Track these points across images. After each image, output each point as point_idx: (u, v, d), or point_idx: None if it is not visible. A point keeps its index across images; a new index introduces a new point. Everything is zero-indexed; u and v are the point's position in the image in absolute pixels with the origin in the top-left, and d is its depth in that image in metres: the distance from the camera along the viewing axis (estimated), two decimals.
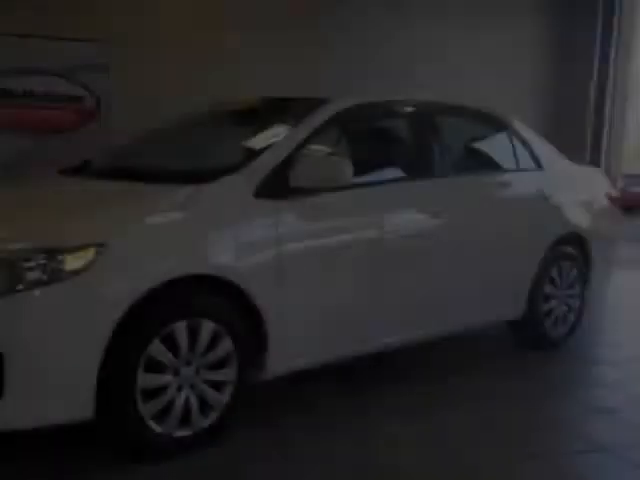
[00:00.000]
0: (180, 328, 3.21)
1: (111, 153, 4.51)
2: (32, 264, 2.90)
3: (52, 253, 2.93)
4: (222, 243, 3.33)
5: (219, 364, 3.36)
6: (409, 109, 4.41)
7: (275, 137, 3.79)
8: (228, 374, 3.39)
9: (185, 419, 3.28)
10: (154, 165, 4.09)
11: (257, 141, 3.91)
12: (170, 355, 3.19)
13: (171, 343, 3.19)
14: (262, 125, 4.11)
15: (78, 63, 6.32)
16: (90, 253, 2.97)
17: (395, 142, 4.39)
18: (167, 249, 3.18)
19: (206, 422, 3.35)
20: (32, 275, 2.90)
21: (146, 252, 3.13)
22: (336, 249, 3.71)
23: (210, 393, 3.34)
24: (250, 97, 4.41)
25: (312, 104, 3.97)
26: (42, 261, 2.91)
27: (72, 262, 2.95)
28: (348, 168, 3.51)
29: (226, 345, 3.35)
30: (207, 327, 3.28)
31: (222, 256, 3.32)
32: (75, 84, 6.31)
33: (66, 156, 6.15)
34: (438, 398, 4.12)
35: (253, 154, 3.68)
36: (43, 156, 6.26)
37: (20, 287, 2.88)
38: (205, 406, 3.34)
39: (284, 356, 3.57)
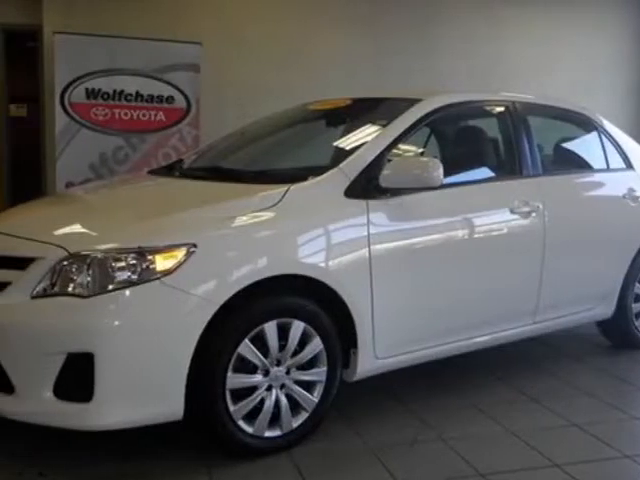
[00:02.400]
0: (270, 328, 2.98)
1: (201, 153, 4.28)
2: (123, 264, 2.72)
3: (143, 253, 2.73)
4: (313, 243, 3.09)
5: (309, 364, 3.12)
6: (500, 108, 4.06)
7: (366, 137, 3.52)
8: (318, 374, 3.15)
9: (275, 419, 3.06)
10: (245, 165, 3.90)
11: (348, 141, 3.65)
12: (260, 355, 2.96)
13: (261, 343, 2.97)
14: (353, 125, 3.84)
15: (169, 63, 6.13)
16: (181, 253, 2.77)
17: (485, 141, 4.05)
18: (258, 249, 2.96)
19: (296, 422, 3.12)
20: (122, 275, 2.71)
21: (237, 252, 2.91)
22: (426, 249, 3.42)
23: (300, 393, 3.11)
24: (341, 98, 4.10)
25: (404, 104, 3.66)
26: (133, 261, 2.73)
27: (163, 262, 2.76)
28: (438, 168, 3.21)
29: (316, 345, 3.12)
30: (297, 327, 3.05)
31: (312, 256, 3.08)
32: (166, 84, 6.12)
33: (156, 156, 6.13)
34: (530, 397, 3.82)
35: (344, 154, 3.41)
36: (133, 156, 6.11)
37: (110, 287, 2.70)
38: (295, 406, 3.11)
39: (374, 356, 3.30)
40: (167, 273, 2.74)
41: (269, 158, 3.98)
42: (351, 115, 4.07)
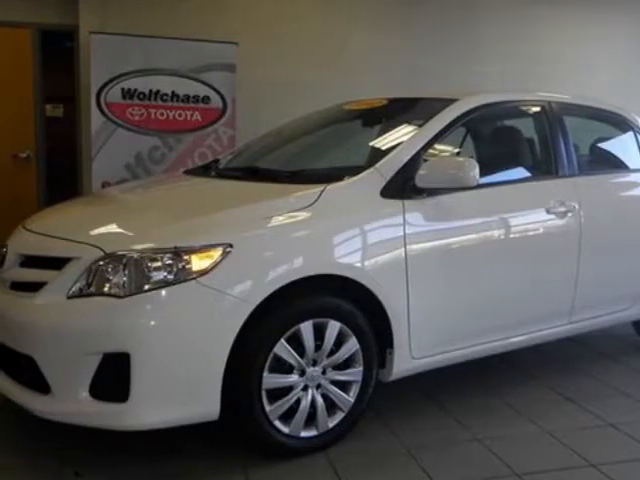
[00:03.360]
0: (306, 328, 2.86)
1: (237, 153, 4.15)
2: (159, 264, 2.61)
3: (179, 253, 2.62)
4: (349, 243, 2.95)
5: (345, 364, 3.00)
6: (535, 108, 3.88)
7: (402, 137, 3.37)
8: (354, 374, 3.02)
9: (311, 419, 2.94)
10: (281, 165, 3.76)
11: (383, 141, 3.51)
12: (296, 355, 2.84)
13: (297, 343, 2.84)
14: (389, 125, 3.69)
15: (204, 63, 5.98)
16: (217, 253, 2.65)
17: (521, 141, 3.87)
18: (294, 249, 2.83)
19: (332, 422, 3.00)
20: (159, 275, 2.60)
21: (273, 252, 2.78)
22: (462, 249, 3.27)
23: (336, 393, 2.99)
24: (377, 98, 3.94)
25: (440, 104, 3.51)
26: (169, 261, 2.61)
27: (199, 262, 2.64)
28: (474, 168, 3.06)
29: (352, 345, 2.99)
30: (333, 327, 2.92)
31: (349, 256, 2.94)
32: (201, 84, 5.99)
33: (192, 156, 6.01)
34: (565, 397, 3.66)
35: (380, 154, 3.26)
36: (169, 156, 5.99)
37: (147, 287, 2.59)
38: (331, 406, 2.99)
39: (410, 356, 3.17)
40: (203, 273, 2.62)
41: (305, 158, 3.86)
42: (387, 115, 3.92)
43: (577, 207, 3.69)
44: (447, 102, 3.51)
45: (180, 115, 6.01)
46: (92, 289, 2.66)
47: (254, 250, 2.74)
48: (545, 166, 3.78)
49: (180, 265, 2.62)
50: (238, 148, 4.33)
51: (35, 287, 2.77)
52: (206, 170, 3.94)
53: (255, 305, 2.68)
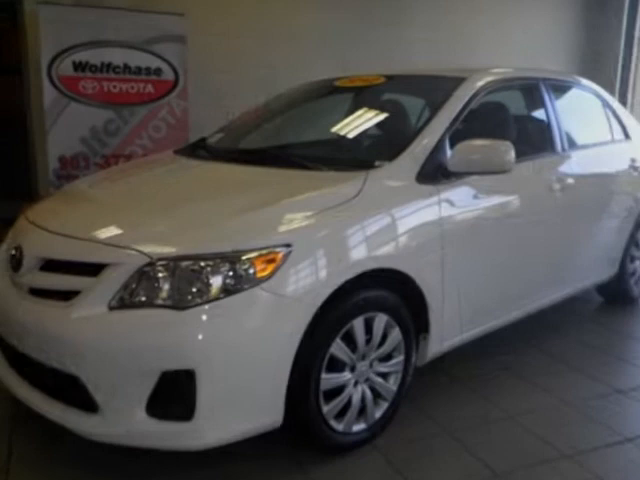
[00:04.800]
0: (358, 324, 2.56)
1: (227, 132, 3.67)
2: (217, 270, 2.22)
3: (238, 257, 2.24)
4: (397, 234, 2.65)
5: (389, 354, 2.72)
6: (534, 84, 3.60)
7: (418, 119, 3.07)
8: (397, 364, 2.77)
9: (360, 413, 2.68)
10: (291, 147, 3.35)
11: (399, 123, 3.18)
12: (349, 352, 2.55)
13: (348, 340, 2.54)
14: (397, 106, 3.32)
15: (154, 35, 5.40)
16: (278, 255, 2.29)
17: (535, 118, 3.65)
18: (350, 245, 2.50)
19: (378, 413, 2.74)
20: (217, 282, 2.22)
21: (330, 250, 2.44)
22: (493, 228, 3.06)
23: (381, 384, 2.73)
24: (371, 74, 3.55)
25: (448, 82, 3.21)
26: (227, 266, 2.23)
27: (260, 266, 2.27)
28: (510, 151, 2.81)
29: (396, 335, 2.72)
30: (380, 319, 2.64)
31: (398, 247, 2.65)
32: (153, 56, 5.39)
33: (147, 128, 5.43)
34: (569, 365, 3.55)
35: (401, 138, 2.94)
36: (125, 128, 5.39)
37: (206, 297, 2.20)
38: (375, 397, 2.73)
39: (442, 338, 2.94)
40: (266, 278, 2.26)
41: (312, 140, 3.46)
42: (390, 94, 3.56)
43: (571, 182, 3.54)
44: (456, 80, 3.22)
45: (133, 87, 5.44)
46: (140, 299, 2.24)
47: (312, 249, 2.39)
48: (545, 143, 3.57)
49: (241, 270, 2.24)
50: (227, 126, 3.83)
51: (64, 295, 2.30)
52: (200, 150, 3.47)
53: (317, 307, 2.36)
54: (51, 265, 2.44)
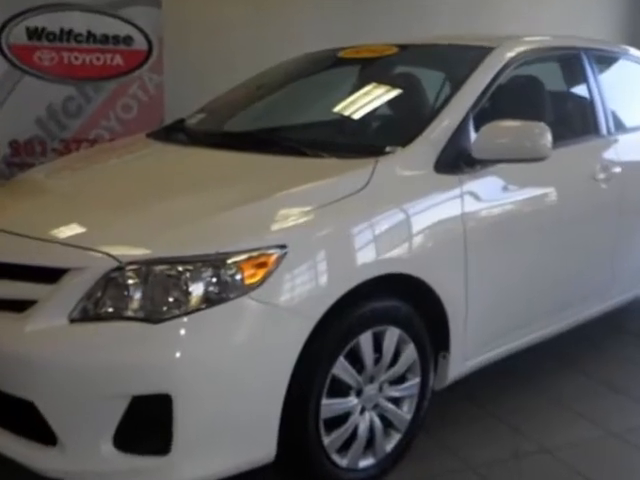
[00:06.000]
0: (366, 340, 2.55)
1: (209, 112, 3.67)
2: (198, 276, 2.21)
3: (223, 261, 2.22)
4: (411, 234, 2.65)
5: (401, 376, 2.72)
6: (578, 55, 3.62)
7: (437, 97, 3.05)
8: (411, 387, 2.76)
9: (367, 445, 2.67)
10: (287, 130, 3.38)
11: (416, 102, 3.17)
12: (355, 373, 2.55)
13: (354, 358, 2.54)
14: (411, 81, 3.33)
15: None
16: (271, 259, 2.27)
17: (564, 96, 3.62)
18: (356, 246, 2.49)
19: (389, 446, 2.73)
20: (198, 290, 2.20)
21: (332, 252, 2.43)
22: (525, 228, 3.06)
23: (393, 412, 2.72)
24: (381, 44, 3.54)
25: (472, 53, 3.22)
26: (211, 272, 2.22)
27: (249, 271, 2.25)
28: (546, 135, 2.79)
29: (410, 353, 2.72)
30: (392, 334, 2.63)
31: (412, 250, 2.65)
32: (122, 22, 5.37)
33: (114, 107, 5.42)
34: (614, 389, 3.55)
35: (416, 119, 2.96)
36: (87, 108, 5.37)
37: (185, 308, 2.19)
38: (386, 427, 2.72)
39: (464, 357, 2.95)
40: (255, 285, 2.25)
41: (311, 121, 3.46)
42: (401, 67, 3.57)
43: (619, 171, 3.55)
44: (482, 51, 3.21)
45: (98, 59, 5.40)
46: (106, 310, 2.22)
47: (311, 251, 2.39)
48: (592, 124, 3.56)
49: (226, 276, 2.23)
50: (207, 106, 3.82)
51: (17, 305, 2.29)
52: (178, 133, 3.47)
53: (317, 320, 2.35)
54: (1, 270, 2.42)
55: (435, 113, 2.92)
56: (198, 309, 2.19)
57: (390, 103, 3.31)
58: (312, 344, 2.34)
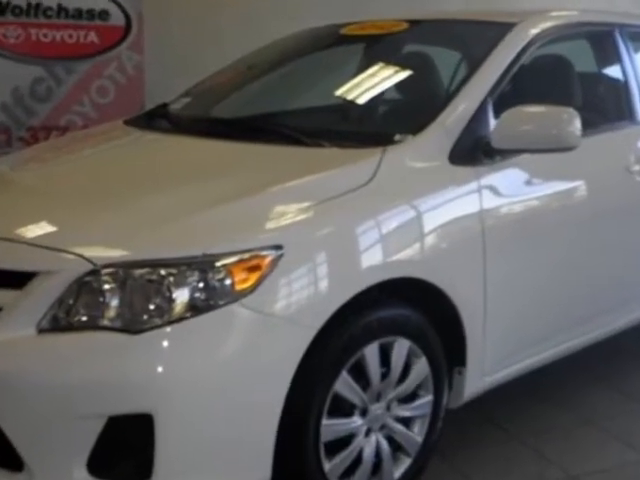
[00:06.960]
0: (371, 352, 2.57)
1: (195, 96, 3.69)
2: (183, 281, 2.22)
3: (211, 264, 2.24)
4: (423, 234, 2.67)
5: (412, 394, 2.74)
6: (611, 32, 3.65)
7: (452, 79, 3.11)
8: (422, 406, 2.78)
9: (373, 472, 2.68)
10: (283, 118, 3.41)
11: (429, 85, 3.19)
12: (359, 390, 2.56)
13: (358, 374, 2.56)
14: (423, 61, 3.36)
15: None
16: (264, 261, 2.28)
17: (595, 78, 3.65)
18: (358, 247, 2.52)
19: (398, 472, 2.75)
20: (183, 297, 2.22)
21: (334, 254, 2.46)
22: (552, 228, 3.08)
23: (403, 434, 2.74)
24: (389, 20, 3.56)
25: (492, 30, 3.25)
26: (197, 276, 2.23)
27: (240, 275, 2.26)
28: (575, 121, 2.81)
29: (422, 368, 2.74)
30: (401, 346, 2.65)
31: (423, 251, 2.67)
32: None
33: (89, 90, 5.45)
34: None
35: (433, 104, 2.98)
36: (58, 91, 5.40)
37: (168, 317, 2.20)
38: (395, 450, 2.74)
39: (483, 372, 2.97)
40: (247, 291, 2.26)
41: (310, 107, 3.51)
42: (411, 46, 3.61)
43: None
44: (502, 27, 3.24)
45: (70, 36, 5.46)
46: (79, 319, 2.24)
47: (310, 252, 2.41)
48: (633, 108, 3.60)
49: (214, 281, 2.25)
50: (191, 90, 3.85)
51: None
52: (160, 120, 3.50)
53: (317, 330, 2.37)
54: None
55: (450, 97, 2.96)
56: (182, 318, 2.21)
57: (399, 86, 3.34)
58: (311, 357, 2.37)
